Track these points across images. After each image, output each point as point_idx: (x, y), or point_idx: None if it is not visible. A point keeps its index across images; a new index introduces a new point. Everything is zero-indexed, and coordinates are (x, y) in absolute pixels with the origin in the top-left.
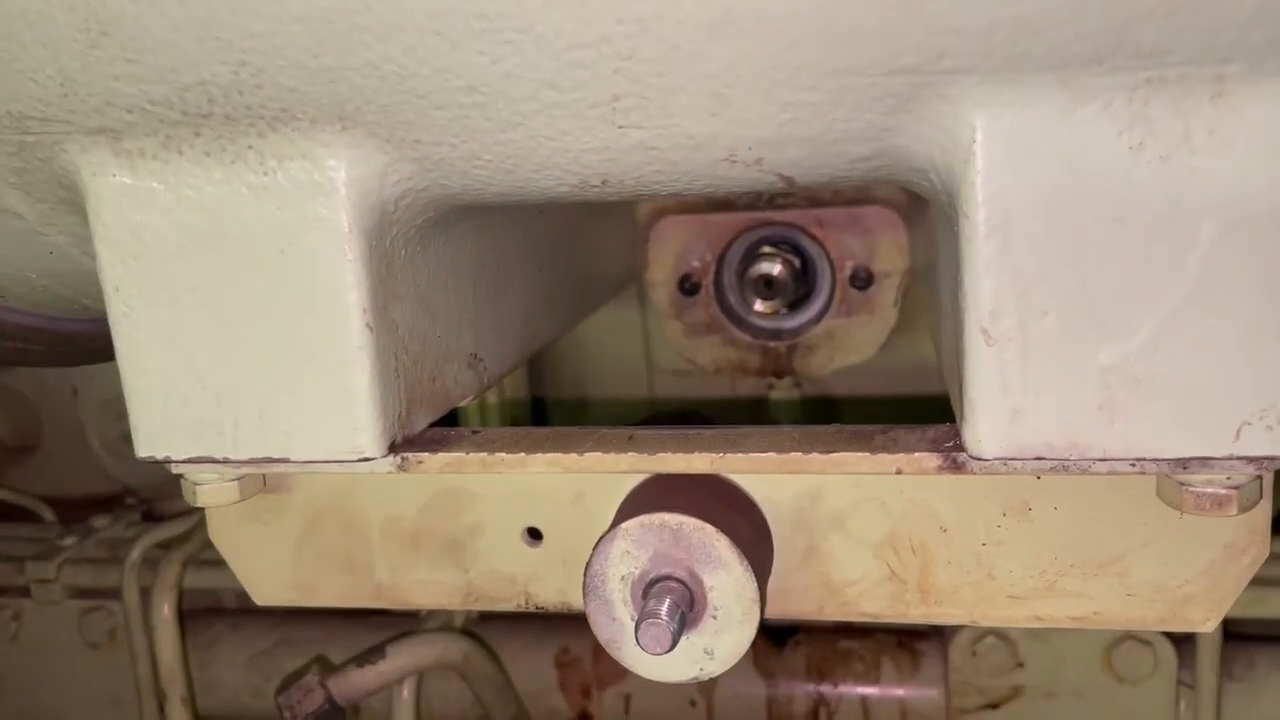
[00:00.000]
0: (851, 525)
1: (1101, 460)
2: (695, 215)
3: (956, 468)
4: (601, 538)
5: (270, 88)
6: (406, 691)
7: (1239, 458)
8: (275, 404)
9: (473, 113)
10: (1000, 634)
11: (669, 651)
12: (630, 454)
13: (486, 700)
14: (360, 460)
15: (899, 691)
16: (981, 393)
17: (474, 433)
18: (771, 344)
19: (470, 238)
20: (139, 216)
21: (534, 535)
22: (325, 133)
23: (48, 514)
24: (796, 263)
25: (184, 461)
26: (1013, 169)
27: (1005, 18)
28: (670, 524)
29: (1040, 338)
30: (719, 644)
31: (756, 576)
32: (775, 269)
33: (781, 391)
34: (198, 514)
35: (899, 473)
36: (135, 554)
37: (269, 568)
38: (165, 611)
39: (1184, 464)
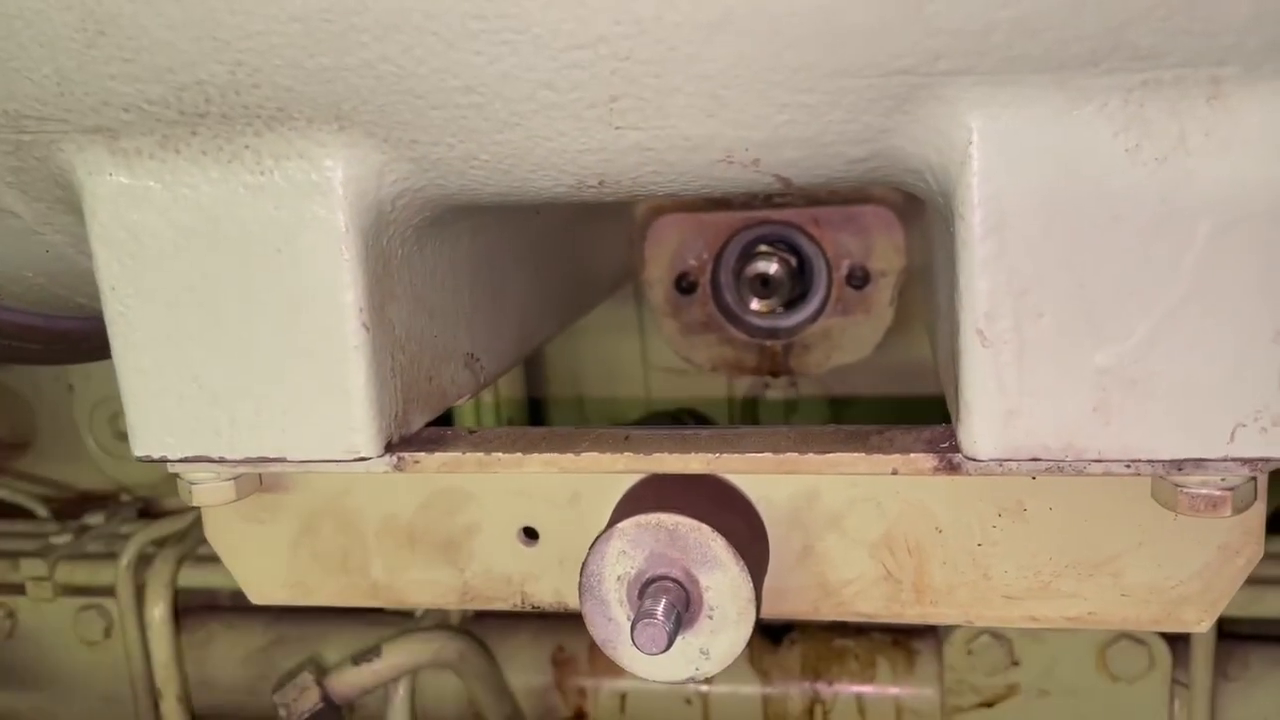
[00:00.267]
0: (847, 525)
1: (1097, 461)
2: (692, 214)
3: (952, 468)
4: (598, 537)
5: (267, 87)
6: (402, 690)
7: (1234, 459)
8: (271, 403)
9: (470, 113)
10: (995, 633)
11: (665, 651)
12: (626, 454)
13: (482, 699)
14: (356, 460)
15: (894, 690)
16: (977, 394)
17: (470, 432)
18: (768, 343)
19: (467, 237)
20: (135, 216)
21: (530, 535)
22: (322, 132)
23: (42, 511)
24: (793, 261)
25: (180, 461)
26: (1009, 170)
27: (1002, 19)
28: (666, 524)
29: (1036, 339)
30: (715, 644)
31: (752, 576)
32: (772, 268)
33: (777, 390)
34: (193, 511)
35: (895, 473)
36: (130, 551)
37: (265, 567)
38: (160, 609)
39: (1179, 465)
